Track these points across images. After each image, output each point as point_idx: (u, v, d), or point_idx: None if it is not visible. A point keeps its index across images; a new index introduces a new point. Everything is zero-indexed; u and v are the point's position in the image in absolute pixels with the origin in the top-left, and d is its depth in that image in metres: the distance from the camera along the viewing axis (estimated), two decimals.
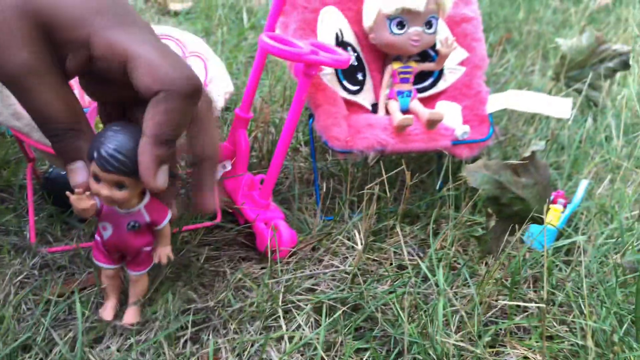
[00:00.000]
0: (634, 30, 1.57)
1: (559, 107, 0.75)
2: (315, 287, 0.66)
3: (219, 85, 0.72)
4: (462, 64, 0.82)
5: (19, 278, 0.62)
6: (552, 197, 0.79)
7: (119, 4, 0.45)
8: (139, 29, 0.44)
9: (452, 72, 0.81)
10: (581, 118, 1.08)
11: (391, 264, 0.70)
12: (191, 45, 0.78)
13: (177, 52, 0.78)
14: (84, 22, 0.43)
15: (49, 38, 0.43)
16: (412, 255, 0.72)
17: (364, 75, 0.80)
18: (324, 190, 0.83)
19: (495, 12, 1.75)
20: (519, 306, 0.66)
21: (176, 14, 1.59)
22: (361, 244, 0.64)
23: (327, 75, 0.75)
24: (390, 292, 0.65)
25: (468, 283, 0.65)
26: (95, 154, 0.46)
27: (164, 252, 0.55)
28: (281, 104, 1.03)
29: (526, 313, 0.65)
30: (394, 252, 0.71)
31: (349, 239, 0.72)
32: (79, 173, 0.48)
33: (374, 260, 0.71)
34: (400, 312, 0.59)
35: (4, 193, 0.77)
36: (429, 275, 0.63)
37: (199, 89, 0.44)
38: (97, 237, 0.55)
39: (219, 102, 0.69)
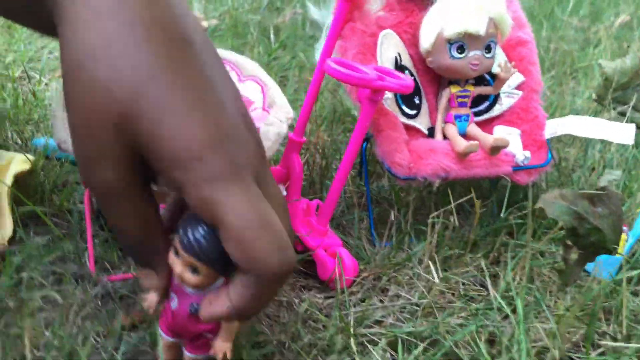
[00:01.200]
0: None
1: (621, 133, 0.74)
2: (383, 320, 0.64)
3: (279, 111, 0.71)
4: (518, 88, 0.81)
5: (86, 309, 0.60)
6: None
7: (237, 131, 0.39)
8: (242, 185, 0.37)
9: (509, 96, 0.81)
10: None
11: (461, 294, 0.68)
12: (247, 69, 0.77)
13: (233, 76, 0.77)
14: (184, 166, 0.37)
15: (143, 160, 0.38)
16: (477, 285, 0.71)
17: (420, 99, 0.79)
18: (375, 215, 0.82)
19: None
20: (591, 339, 0.65)
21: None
22: (438, 276, 0.63)
23: (387, 99, 0.74)
24: (461, 325, 0.63)
25: (543, 316, 0.63)
26: (181, 231, 0.42)
27: (222, 348, 0.46)
28: (325, 127, 1.02)
29: (600, 349, 0.63)
30: (462, 283, 0.69)
31: (412, 268, 0.71)
32: (148, 278, 0.45)
33: (440, 290, 0.69)
34: (481, 346, 0.57)
35: (56, 218, 0.75)
36: (506, 309, 0.62)
37: (292, 268, 0.39)
38: (167, 304, 0.49)
39: (282, 128, 0.68)
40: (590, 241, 0.62)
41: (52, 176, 0.80)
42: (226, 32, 1.55)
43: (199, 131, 0.37)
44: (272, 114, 0.70)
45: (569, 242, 0.60)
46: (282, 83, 1.29)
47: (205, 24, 1.61)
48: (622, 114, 1.08)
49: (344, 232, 0.79)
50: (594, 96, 1.11)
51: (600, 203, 0.62)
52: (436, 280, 0.63)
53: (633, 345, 0.61)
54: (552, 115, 1.16)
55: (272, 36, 1.53)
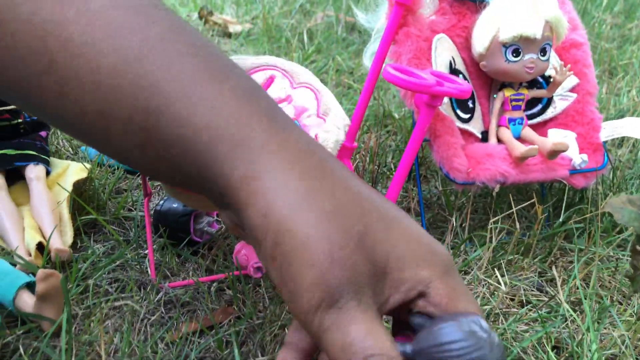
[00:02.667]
0: None
1: None
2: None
3: (336, 118, 0.71)
4: (572, 90, 0.80)
5: (154, 317, 0.61)
6: None
7: None
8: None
9: (562, 99, 0.80)
10: None
11: (521, 300, 0.68)
12: (300, 76, 0.77)
13: (286, 83, 0.77)
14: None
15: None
16: (534, 290, 0.70)
17: (474, 103, 0.78)
18: (428, 219, 0.82)
19: None
20: None
21: (237, 35, 1.59)
22: (503, 282, 0.62)
23: (443, 104, 0.73)
24: (526, 331, 0.63)
25: (609, 323, 0.62)
26: None
27: None
28: (374, 130, 1.02)
29: None
30: (522, 288, 0.69)
31: (471, 273, 0.70)
32: None
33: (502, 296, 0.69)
34: (550, 353, 0.56)
35: (113, 226, 0.76)
36: (573, 315, 0.61)
37: None
38: None
39: (340, 135, 0.68)
40: None
41: (108, 184, 0.82)
42: (260, 37, 1.55)
43: None
44: (329, 121, 0.70)
45: (639, 248, 0.59)
46: None
47: (239, 27, 1.62)
48: None
49: None
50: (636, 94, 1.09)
51: None
52: (502, 287, 0.62)
53: None
54: (601, 111, 1.14)
55: (305, 39, 1.53)
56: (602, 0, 2.02)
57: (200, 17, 1.64)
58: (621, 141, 1.02)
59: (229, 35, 1.61)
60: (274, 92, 0.78)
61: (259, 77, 0.79)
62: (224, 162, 0.35)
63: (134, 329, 0.60)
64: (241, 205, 0.34)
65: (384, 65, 0.75)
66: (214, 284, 0.68)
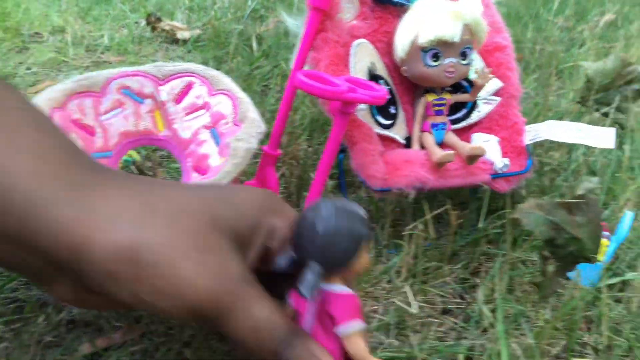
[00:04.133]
0: None
1: (601, 137, 0.72)
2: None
3: (250, 125, 0.69)
4: (496, 94, 0.79)
5: (49, 338, 0.58)
6: None
7: None
8: None
9: (487, 102, 0.79)
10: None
11: (438, 309, 0.66)
12: (219, 83, 0.75)
13: (204, 90, 0.75)
14: None
15: None
16: (456, 298, 0.69)
17: (396, 109, 0.77)
18: None
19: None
20: (573, 350, 0.63)
21: (184, 42, 1.57)
22: (416, 307, 0.61)
23: (362, 110, 0.72)
24: (441, 339, 0.61)
25: (521, 329, 0.61)
26: None
27: None
28: (306, 137, 1.00)
29: (584, 358, 0.62)
30: (441, 295, 0.68)
31: (389, 282, 0.69)
32: None
33: (419, 305, 0.67)
34: None
35: None
36: (484, 322, 0.60)
37: None
38: None
39: (252, 143, 0.66)
40: (569, 251, 0.60)
41: None
42: (208, 43, 1.53)
43: None
44: (243, 129, 0.68)
45: (546, 253, 0.58)
46: (264, 93, 1.27)
47: (187, 34, 1.60)
48: (606, 115, 1.06)
49: None
50: (577, 98, 1.10)
51: (578, 211, 0.61)
52: (414, 311, 0.61)
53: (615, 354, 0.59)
54: (536, 117, 1.14)
55: (254, 45, 1.51)
56: (554, 4, 2.05)
57: (148, 24, 1.61)
58: (558, 144, 1.02)
59: (177, 41, 1.58)
60: (191, 99, 0.76)
61: (177, 84, 0.77)
62: (49, 210, 0.33)
63: (28, 352, 0.57)
64: (80, 247, 0.34)
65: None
66: None
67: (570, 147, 1.00)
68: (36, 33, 1.55)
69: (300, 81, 0.62)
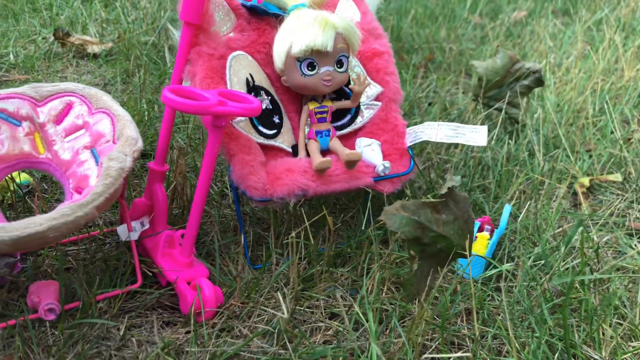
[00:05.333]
0: (547, 43, 1.64)
1: (475, 135, 0.76)
2: (244, 352, 0.62)
3: (125, 143, 0.68)
4: (377, 99, 0.81)
5: None
6: (478, 225, 0.79)
7: None
8: None
9: (368, 107, 0.81)
10: (503, 137, 1.11)
11: (323, 313, 0.68)
12: (98, 102, 0.74)
13: (84, 109, 0.74)
14: None
15: None
16: (346, 300, 0.70)
17: (281, 118, 0.78)
18: (251, 237, 0.81)
19: (418, 33, 1.78)
20: (453, 343, 0.66)
21: (95, 56, 1.53)
22: (287, 311, 0.62)
23: (241, 122, 0.72)
24: (326, 342, 0.63)
25: (401, 326, 0.63)
26: None
27: None
28: (200, 151, 1.00)
29: (462, 349, 0.64)
30: (326, 298, 0.69)
31: (278, 290, 0.70)
32: None
33: (307, 308, 0.69)
34: None
35: None
36: (363, 322, 0.62)
37: None
38: None
39: (127, 162, 0.66)
40: (437, 248, 0.62)
41: None
42: (119, 56, 1.50)
43: None
44: (117, 148, 0.67)
45: (412, 252, 0.61)
46: None
47: (97, 48, 1.56)
48: (499, 110, 1.11)
49: (215, 260, 0.77)
50: (471, 95, 1.14)
51: (445, 209, 0.63)
52: (285, 315, 0.62)
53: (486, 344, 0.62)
54: (441, 115, 1.18)
55: (167, 56, 1.49)
56: (466, 3, 2.11)
57: (56, 39, 1.56)
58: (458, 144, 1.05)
59: (87, 56, 1.54)
60: (71, 119, 0.75)
61: (56, 105, 0.75)
62: None
63: None
64: None
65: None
66: (4, 332, 0.63)
67: (465, 146, 1.03)
68: None
69: (166, 98, 0.62)
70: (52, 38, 1.60)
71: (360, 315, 0.62)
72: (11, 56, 1.49)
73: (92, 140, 0.72)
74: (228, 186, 0.92)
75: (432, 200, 0.62)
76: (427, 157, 1.03)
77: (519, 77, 1.08)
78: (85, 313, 0.65)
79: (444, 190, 0.62)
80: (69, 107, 0.75)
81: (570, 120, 1.20)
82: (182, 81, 0.73)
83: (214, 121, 0.64)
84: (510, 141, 1.06)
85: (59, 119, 0.75)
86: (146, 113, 1.15)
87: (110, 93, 1.33)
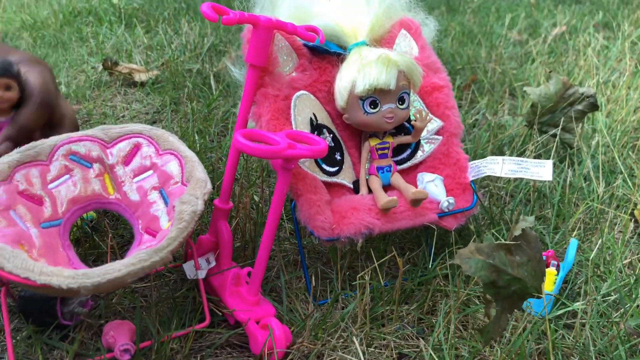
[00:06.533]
0: (591, 60, 1.61)
1: (540, 170, 0.75)
2: None
3: (195, 186, 0.70)
4: (438, 133, 0.81)
5: None
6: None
7: None
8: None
9: (429, 142, 0.81)
10: (556, 162, 1.09)
11: (393, 354, 0.67)
12: (165, 143, 0.76)
13: (151, 150, 0.76)
14: None
15: None
16: (412, 339, 0.70)
17: (342, 154, 0.78)
18: (313, 272, 0.81)
19: (459, 52, 1.78)
20: None
21: (142, 84, 1.57)
22: (363, 357, 0.62)
23: (306, 162, 0.73)
24: None
25: None
26: None
27: None
28: (259, 185, 1.01)
29: None
30: (395, 340, 0.69)
31: (346, 329, 0.70)
32: None
33: (375, 348, 0.68)
34: None
35: None
36: None
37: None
38: None
39: (198, 205, 0.67)
40: (512, 291, 0.62)
41: None
42: (166, 84, 1.54)
43: None
44: (188, 191, 0.69)
45: (488, 297, 0.60)
46: (222, 134, 1.28)
47: (144, 76, 1.60)
48: (554, 136, 1.10)
49: (280, 295, 0.78)
50: (524, 122, 1.13)
51: (518, 251, 0.63)
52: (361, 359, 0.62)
53: None
54: (488, 141, 1.17)
55: (212, 83, 1.52)
56: (504, 20, 2.10)
57: (105, 68, 1.61)
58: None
59: (135, 84, 1.58)
60: (139, 160, 0.77)
61: (124, 146, 0.77)
62: None
63: None
64: None
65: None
66: None
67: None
68: None
69: (238, 142, 0.63)
70: (101, 67, 1.65)
71: (435, 357, 0.62)
72: (62, 86, 1.53)
73: (160, 181, 0.74)
74: (284, 219, 0.93)
75: (506, 242, 0.61)
76: (480, 184, 1.02)
77: (573, 102, 1.06)
78: (158, 352, 0.67)
79: (517, 232, 0.61)
80: (136, 149, 0.77)
81: (623, 142, 1.18)
82: (247, 122, 0.74)
83: (284, 164, 0.65)
84: (565, 168, 1.05)
85: (127, 160, 0.77)
86: (197, 144, 1.18)
87: (161, 122, 1.37)
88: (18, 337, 0.69)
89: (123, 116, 1.38)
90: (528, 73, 1.62)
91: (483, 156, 1.05)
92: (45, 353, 0.68)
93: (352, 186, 0.78)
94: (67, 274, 0.58)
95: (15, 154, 0.73)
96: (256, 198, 0.89)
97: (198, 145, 1.17)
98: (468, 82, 1.54)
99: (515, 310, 0.64)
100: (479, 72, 1.63)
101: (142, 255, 0.61)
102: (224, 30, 2.00)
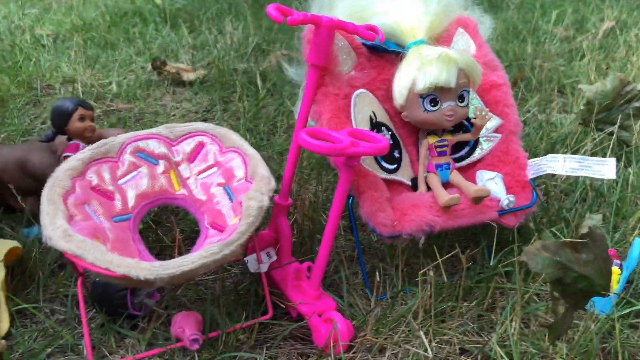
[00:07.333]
0: None
1: (603, 168, 0.74)
2: None
3: (260, 182, 0.72)
4: (496, 131, 0.81)
5: None
6: None
7: None
8: None
9: (488, 140, 0.81)
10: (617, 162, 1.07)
11: (457, 349, 0.68)
12: (228, 141, 0.78)
13: (214, 148, 0.78)
14: None
15: None
16: (474, 335, 0.71)
17: (400, 152, 0.79)
18: (369, 268, 0.82)
19: (504, 49, 1.76)
20: None
21: (191, 83, 1.61)
22: (431, 351, 0.62)
23: (366, 159, 0.74)
24: None
25: None
26: None
27: None
28: (312, 182, 1.03)
29: None
30: (458, 335, 0.69)
31: (407, 324, 0.71)
32: None
33: (437, 344, 0.69)
34: None
35: (53, 304, 0.76)
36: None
37: None
38: None
39: (264, 201, 0.69)
40: (578, 288, 0.62)
41: (47, 262, 0.81)
42: (214, 83, 1.57)
43: None
44: (254, 187, 0.71)
45: (555, 294, 0.60)
46: (272, 132, 1.30)
47: (192, 75, 1.64)
48: (610, 134, 1.08)
49: (339, 290, 0.79)
50: (579, 119, 1.11)
51: (584, 249, 0.62)
52: (429, 353, 0.62)
53: None
54: (541, 139, 1.16)
55: (258, 82, 1.54)
56: (551, 15, 2.06)
57: (154, 68, 1.65)
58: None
59: (183, 83, 1.62)
60: (203, 157, 0.79)
61: (189, 144, 0.80)
62: None
63: None
64: None
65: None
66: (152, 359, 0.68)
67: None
68: (48, 85, 1.59)
69: (304, 141, 0.65)
70: (149, 67, 1.70)
71: (502, 354, 0.62)
72: (114, 86, 1.58)
73: (224, 177, 0.77)
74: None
75: (572, 240, 0.61)
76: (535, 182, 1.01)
77: (631, 100, 1.05)
78: (225, 343, 0.69)
79: (584, 230, 0.61)
80: (200, 146, 0.80)
81: None
82: (307, 121, 0.75)
83: (347, 161, 0.66)
84: (622, 166, 1.03)
85: (191, 157, 0.80)
86: (248, 142, 1.20)
87: (211, 120, 1.40)
88: (92, 325, 0.73)
89: (174, 115, 1.42)
90: (577, 70, 1.59)
91: (535, 155, 1.04)
92: (117, 341, 0.71)
93: (410, 183, 0.79)
94: (144, 265, 0.61)
95: (87, 152, 0.76)
96: (307, 196, 0.91)
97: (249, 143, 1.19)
98: (515, 79, 1.52)
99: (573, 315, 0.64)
100: (526, 70, 1.61)
101: (213, 248, 0.63)
102: (267, 30, 2.02)
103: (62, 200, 0.68)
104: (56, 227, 0.64)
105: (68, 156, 0.84)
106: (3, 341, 0.67)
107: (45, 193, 0.68)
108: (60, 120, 0.86)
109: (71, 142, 0.87)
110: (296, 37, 1.93)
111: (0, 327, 0.70)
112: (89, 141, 0.82)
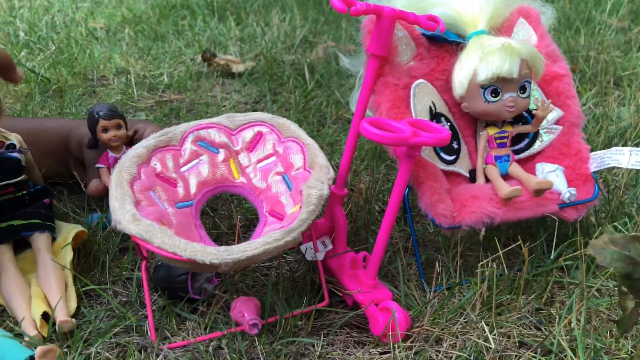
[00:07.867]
0: None
1: None
2: None
3: (320, 172, 0.72)
4: (557, 122, 0.80)
5: None
6: None
7: None
8: None
9: (549, 132, 0.80)
10: None
11: (515, 342, 0.67)
12: (287, 130, 0.79)
13: (273, 137, 0.79)
14: None
15: None
16: (532, 329, 0.70)
17: (459, 143, 0.79)
18: (424, 259, 0.82)
19: (557, 40, 1.71)
20: None
21: (240, 75, 1.63)
22: (494, 342, 0.62)
23: (426, 150, 0.74)
24: None
25: None
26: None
27: None
28: (365, 167, 1.03)
29: None
30: (517, 327, 0.69)
31: (465, 315, 0.71)
32: None
33: (495, 336, 0.69)
34: None
35: (117, 287, 0.79)
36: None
37: None
38: None
39: (324, 190, 0.70)
40: None
41: (111, 246, 0.85)
42: (262, 75, 1.59)
43: None
44: (313, 176, 0.72)
45: (624, 289, 0.59)
46: (321, 123, 1.31)
47: (241, 67, 1.66)
48: None
49: (393, 280, 0.80)
50: (635, 110, 1.08)
51: None
52: (492, 346, 0.62)
53: None
54: (599, 132, 1.13)
55: (306, 74, 1.55)
56: (606, 5, 1.99)
57: (204, 60, 1.68)
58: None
59: (232, 75, 1.64)
60: (263, 147, 0.80)
61: (248, 133, 0.81)
62: None
63: None
64: None
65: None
66: (212, 342, 0.70)
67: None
68: (102, 76, 1.64)
69: (365, 130, 0.65)
70: (199, 59, 1.73)
71: (567, 348, 0.62)
72: (165, 77, 1.62)
73: (283, 166, 0.78)
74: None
75: None
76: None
77: None
78: (284, 328, 0.70)
79: None
80: (260, 136, 0.81)
81: None
82: (366, 111, 0.76)
83: (409, 151, 0.67)
84: None
85: (251, 146, 0.81)
86: None
87: (262, 112, 1.42)
88: (153, 307, 0.75)
89: (224, 106, 1.45)
90: (635, 61, 1.54)
91: (593, 149, 1.02)
92: (178, 323, 0.73)
93: (468, 175, 0.78)
94: (209, 250, 0.63)
95: (151, 139, 0.79)
96: (363, 186, 0.91)
97: None
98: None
99: None
100: (580, 61, 1.56)
101: (276, 235, 0.65)
102: (313, 22, 2.03)
103: (129, 185, 0.71)
104: (125, 211, 0.67)
105: (101, 167, 0.88)
106: (73, 320, 0.70)
107: (114, 178, 0.71)
108: (91, 131, 0.89)
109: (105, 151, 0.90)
110: (343, 30, 1.93)
111: (69, 305, 0.73)
112: (120, 148, 0.89)
